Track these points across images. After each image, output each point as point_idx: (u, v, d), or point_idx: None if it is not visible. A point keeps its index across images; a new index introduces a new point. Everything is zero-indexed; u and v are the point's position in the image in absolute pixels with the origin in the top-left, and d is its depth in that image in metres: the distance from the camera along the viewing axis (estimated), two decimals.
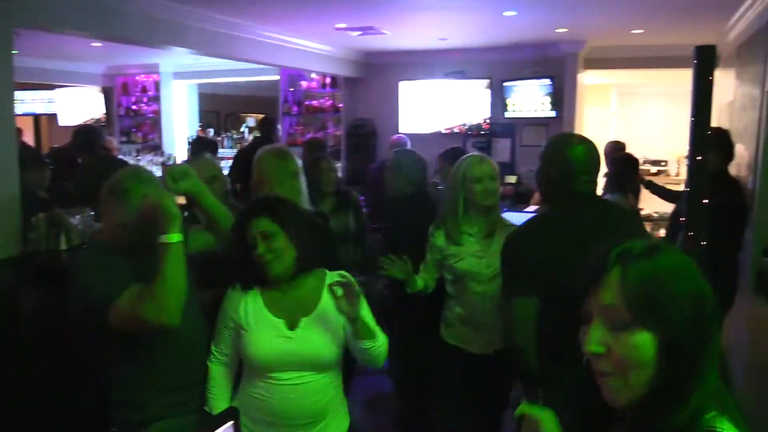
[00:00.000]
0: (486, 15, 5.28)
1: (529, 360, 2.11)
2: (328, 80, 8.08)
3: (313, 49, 6.85)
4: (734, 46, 5.40)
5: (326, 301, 2.01)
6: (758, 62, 4.22)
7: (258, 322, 2.01)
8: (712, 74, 3.01)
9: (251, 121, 11.43)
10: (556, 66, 6.85)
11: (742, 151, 4.43)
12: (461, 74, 7.33)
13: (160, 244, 1.82)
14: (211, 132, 9.12)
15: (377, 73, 7.87)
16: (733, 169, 4.14)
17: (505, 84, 7.03)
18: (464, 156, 2.92)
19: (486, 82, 7.14)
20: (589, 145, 2.18)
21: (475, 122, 7.29)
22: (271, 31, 6.07)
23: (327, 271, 2.09)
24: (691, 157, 3.00)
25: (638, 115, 10.62)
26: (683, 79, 9.29)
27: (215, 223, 2.16)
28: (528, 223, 2.36)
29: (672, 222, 4.05)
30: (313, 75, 8.11)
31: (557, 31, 6.01)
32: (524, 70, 7.01)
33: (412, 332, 3.10)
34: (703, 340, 0.94)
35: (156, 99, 9.00)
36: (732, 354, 3.86)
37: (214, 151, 5.76)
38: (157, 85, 8.96)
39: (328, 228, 3.01)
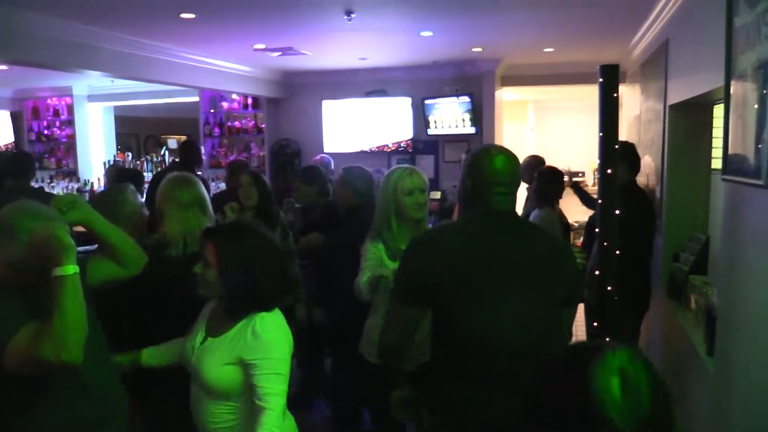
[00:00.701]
0: (403, 35, 5.37)
1: (397, 361, 2.15)
2: (249, 101, 8.01)
3: (232, 70, 6.78)
4: (638, 64, 5.70)
5: (236, 334, 1.91)
6: (660, 79, 4.46)
7: (197, 323, 2.05)
8: (616, 91, 3.16)
9: (172, 143, 11.16)
10: (475, 83, 7.05)
11: (649, 162, 4.67)
12: (383, 93, 7.42)
13: (54, 277, 1.72)
14: (129, 156, 8.82)
15: (299, 92, 7.87)
16: (642, 179, 4.35)
17: (426, 102, 7.16)
18: (394, 168, 2.94)
19: (408, 100, 7.25)
20: (508, 155, 2.07)
21: (398, 140, 7.37)
22: (189, 52, 5.97)
23: (261, 313, 1.94)
24: (601, 170, 3.13)
25: (554, 129, 11.02)
26: (596, 93, 9.72)
27: (114, 249, 2.08)
28: (429, 231, 2.39)
29: (587, 231, 4.20)
30: (234, 96, 8.02)
31: (473, 50, 6.18)
32: (444, 88, 7.17)
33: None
34: None
35: (69, 123, 8.65)
36: (649, 353, 4.03)
37: (139, 182, 5.48)
38: (70, 109, 8.61)
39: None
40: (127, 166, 8.26)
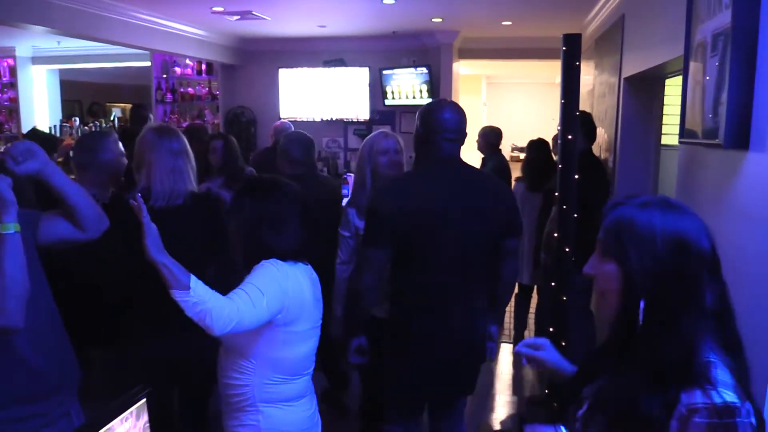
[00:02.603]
0: (366, 2, 5.36)
1: (369, 300, 2.42)
2: (203, 67, 7.86)
3: (187, 34, 6.63)
4: (592, 39, 5.85)
5: None
6: (615, 53, 4.61)
7: None
8: (578, 59, 3.26)
9: (117, 111, 10.84)
10: (432, 55, 7.10)
11: (602, 134, 4.83)
12: (341, 62, 7.39)
13: None
14: (76, 121, 8.54)
15: (255, 59, 7.76)
16: (594, 149, 4.51)
17: (384, 72, 7.17)
18: (373, 133, 3.04)
19: (365, 70, 7.24)
20: (456, 108, 2.42)
21: (355, 110, 7.37)
22: (143, 12, 5.81)
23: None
24: (562, 136, 3.24)
25: (506, 104, 11.25)
26: (546, 70, 9.97)
27: (72, 208, 1.85)
28: (390, 182, 2.57)
29: (545, 197, 4.33)
30: (188, 61, 7.85)
31: (433, 20, 6.22)
32: (402, 59, 7.20)
33: None
34: (664, 281, 1.11)
35: (12, 85, 8.31)
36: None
37: (53, 148, 5.27)
38: (12, 71, 8.26)
39: None
40: (73, 132, 8.01)
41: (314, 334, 1.99)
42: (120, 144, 2.79)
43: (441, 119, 2.35)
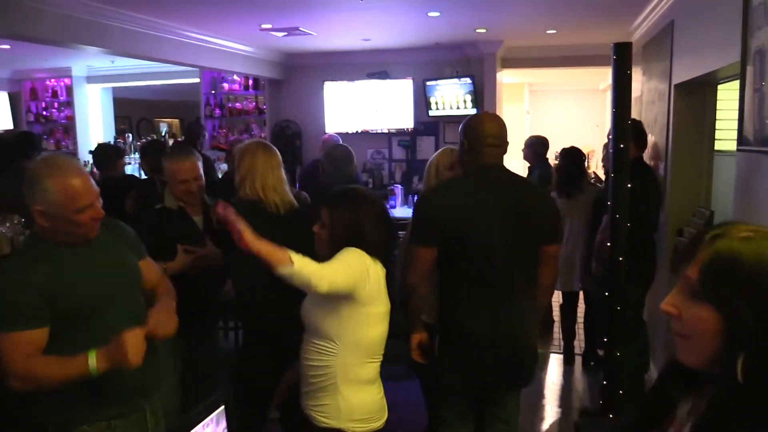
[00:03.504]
0: (411, 16, 5.42)
1: (418, 297, 2.54)
2: (251, 82, 8.03)
3: (235, 50, 6.80)
4: (639, 45, 5.80)
5: None
6: (665, 59, 4.56)
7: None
8: (629, 68, 3.25)
9: (164, 126, 11.13)
10: (475, 65, 7.12)
11: (651, 141, 4.78)
12: (384, 74, 7.47)
13: None
14: (129, 137, 8.82)
15: (301, 74, 7.90)
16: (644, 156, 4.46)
17: (427, 83, 7.22)
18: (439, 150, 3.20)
19: (409, 81, 7.30)
20: (495, 118, 2.64)
21: (399, 121, 7.44)
22: (193, 31, 5.99)
23: None
24: (614, 145, 3.23)
25: (549, 112, 11.18)
26: (589, 76, 9.84)
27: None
28: (437, 185, 2.73)
29: (594, 207, 4.31)
30: (235, 77, 8.04)
31: (477, 31, 6.25)
32: (445, 70, 7.24)
33: None
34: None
35: (68, 104, 8.63)
36: (653, 327, 4.16)
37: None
38: (68, 90, 8.59)
39: None
40: (126, 148, 8.27)
41: (387, 319, 2.18)
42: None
43: (482, 129, 2.52)
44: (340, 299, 2.02)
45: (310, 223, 2.20)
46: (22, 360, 1.77)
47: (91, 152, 5.41)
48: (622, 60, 3.25)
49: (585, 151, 9.96)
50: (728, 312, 0.97)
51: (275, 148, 2.92)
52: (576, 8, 5.23)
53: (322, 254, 2.10)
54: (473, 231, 2.44)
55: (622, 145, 3.21)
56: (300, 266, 1.89)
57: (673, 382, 1.14)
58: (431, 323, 2.70)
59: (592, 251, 4.13)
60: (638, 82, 5.82)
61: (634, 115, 5.82)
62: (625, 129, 3.25)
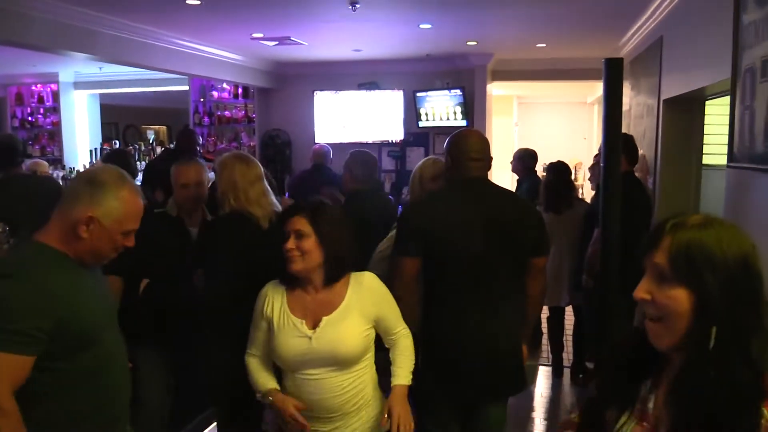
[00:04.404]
0: (402, 27, 5.44)
1: (403, 307, 2.45)
2: (240, 90, 8.02)
3: (225, 59, 6.78)
4: (628, 60, 5.86)
5: (350, 298, 2.10)
6: (653, 74, 4.61)
7: (283, 323, 2.08)
8: (621, 83, 3.27)
9: (151, 133, 11.08)
10: (466, 77, 7.15)
11: (640, 155, 4.82)
12: (375, 85, 7.48)
13: None
14: (116, 144, 8.76)
15: (291, 83, 7.90)
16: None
17: (418, 94, 7.24)
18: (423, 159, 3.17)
19: (400, 93, 7.32)
20: (478, 134, 2.70)
21: (389, 132, 7.45)
22: (183, 39, 5.97)
23: (353, 273, 2.17)
24: (606, 159, 3.24)
25: (537, 124, 11.25)
26: (577, 90, 9.93)
27: None
28: (422, 198, 2.75)
29: (585, 220, 4.33)
30: (225, 85, 8.02)
31: (468, 43, 6.28)
32: (436, 81, 7.26)
33: None
34: (737, 303, 1.10)
35: (54, 110, 8.55)
36: None
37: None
38: (55, 96, 8.51)
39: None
40: None
41: None
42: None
43: (465, 144, 2.56)
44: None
45: None
46: (5, 390, 1.57)
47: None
48: (613, 75, 3.26)
49: (572, 164, 10.05)
50: (700, 288, 1.10)
51: (255, 160, 2.86)
52: (566, 23, 5.28)
53: (303, 269, 2.06)
54: (457, 242, 2.45)
55: (613, 159, 3.22)
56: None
57: (635, 366, 1.26)
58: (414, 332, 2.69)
59: (583, 265, 4.14)
60: (627, 96, 5.88)
61: (623, 129, 5.88)
62: (617, 143, 3.26)
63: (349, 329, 2.07)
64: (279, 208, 2.79)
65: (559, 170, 4.72)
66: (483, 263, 2.46)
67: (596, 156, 4.37)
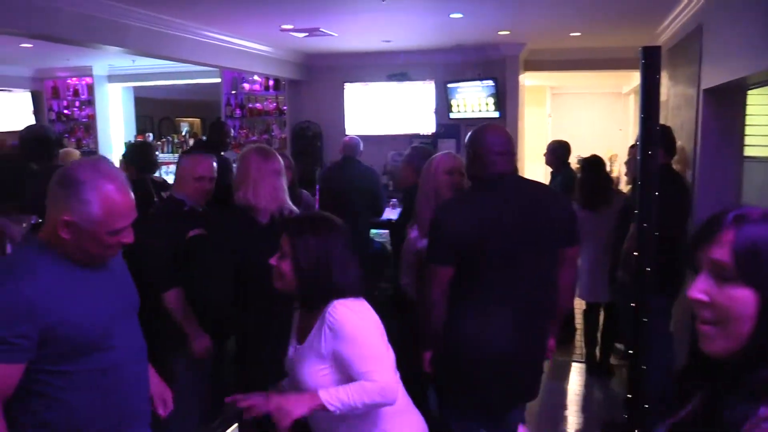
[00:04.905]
0: (433, 17, 5.36)
1: (437, 315, 2.47)
2: (271, 82, 8.01)
3: (256, 51, 6.77)
4: (665, 49, 5.68)
5: (315, 332, 1.86)
6: (693, 64, 4.45)
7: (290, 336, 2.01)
8: (658, 72, 3.15)
9: (185, 126, 11.17)
10: (498, 67, 7.03)
11: (678, 147, 4.66)
12: (404, 76, 7.40)
13: None
14: (150, 137, 8.85)
15: (321, 74, 7.86)
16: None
17: (449, 85, 7.15)
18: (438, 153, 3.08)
19: (431, 83, 7.23)
20: (500, 128, 2.64)
21: (420, 124, 7.36)
22: (214, 31, 5.98)
23: (333, 301, 1.85)
24: (642, 152, 3.13)
25: (571, 115, 11.03)
26: (612, 79, 9.70)
27: None
28: (450, 201, 2.64)
29: (620, 214, 4.21)
30: (256, 77, 8.02)
31: (500, 33, 6.16)
32: (467, 72, 7.15)
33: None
34: None
35: (89, 103, 8.68)
36: (678, 339, 4.05)
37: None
38: (90, 89, 8.64)
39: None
40: None
41: None
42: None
43: (488, 138, 2.48)
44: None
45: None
46: None
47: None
48: (650, 64, 3.13)
49: (608, 155, 9.85)
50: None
51: (275, 155, 2.80)
52: (602, 11, 5.13)
53: (282, 288, 1.90)
54: (490, 243, 2.40)
55: (650, 152, 3.10)
56: (352, 404, 1.73)
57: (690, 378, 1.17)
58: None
59: (619, 260, 4.03)
60: (664, 86, 5.70)
61: (660, 120, 5.71)
62: (654, 135, 3.13)
63: (307, 367, 1.86)
64: (292, 209, 2.75)
65: (594, 166, 4.62)
66: (516, 261, 2.41)
67: (632, 148, 4.24)
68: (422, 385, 3.50)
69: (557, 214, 2.52)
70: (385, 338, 1.86)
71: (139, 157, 4.45)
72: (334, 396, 1.74)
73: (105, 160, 1.77)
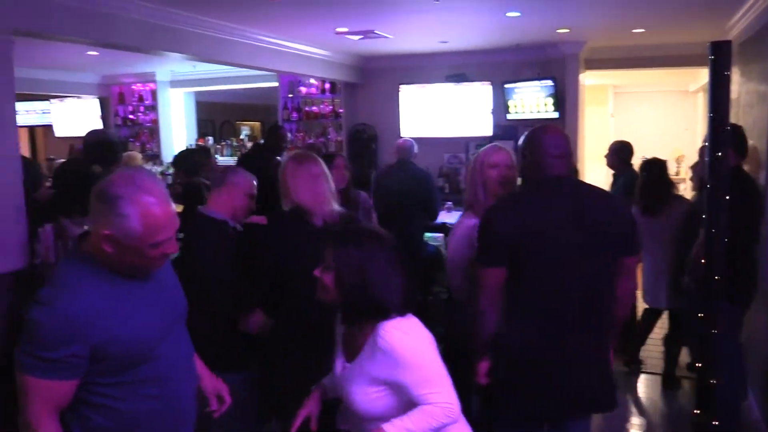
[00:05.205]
0: (489, 16, 5.25)
1: (488, 321, 2.37)
2: (327, 85, 8.05)
3: (312, 54, 6.81)
4: (736, 44, 5.39)
5: (366, 354, 1.80)
6: (766, 59, 4.21)
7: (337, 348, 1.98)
8: (728, 69, 2.98)
9: (246, 129, 11.37)
10: (557, 67, 6.84)
11: (750, 147, 4.41)
12: (462, 77, 7.29)
13: None
14: (210, 141, 9.04)
15: (376, 77, 7.84)
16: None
17: (506, 86, 7.01)
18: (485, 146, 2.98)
19: (488, 85, 7.10)
20: (557, 130, 2.55)
21: (477, 125, 7.24)
22: (270, 36, 6.03)
23: (383, 323, 1.77)
24: (711, 153, 2.97)
25: (634, 115, 10.67)
26: (677, 77, 9.33)
27: None
28: (501, 201, 2.53)
29: (688, 220, 4.03)
30: (312, 81, 8.07)
31: (559, 31, 5.99)
32: (525, 72, 7.00)
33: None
34: None
35: (153, 108, 8.95)
36: (750, 351, 3.83)
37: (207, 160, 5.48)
38: (153, 94, 8.90)
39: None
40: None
41: None
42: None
43: (546, 140, 2.41)
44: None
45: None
46: (41, 414, 1.58)
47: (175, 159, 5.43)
48: (720, 60, 2.97)
49: (674, 156, 9.47)
50: None
51: (312, 157, 2.76)
52: (667, 5, 4.92)
53: (325, 299, 1.84)
54: (545, 246, 2.30)
55: (719, 153, 2.94)
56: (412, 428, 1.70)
57: None
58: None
59: (684, 267, 3.84)
60: (735, 83, 5.41)
61: (731, 119, 5.44)
62: (724, 135, 2.97)
63: (356, 387, 1.81)
64: (339, 210, 2.72)
65: (654, 168, 4.45)
66: (572, 267, 2.31)
67: (701, 149, 4.03)
68: (467, 390, 3.41)
69: (614, 221, 2.40)
70: (438, 353, 1.80)
71: (185, 161, 4.59)
72: (401, 428, 1.71)
73: (143, 171, 1.77)
